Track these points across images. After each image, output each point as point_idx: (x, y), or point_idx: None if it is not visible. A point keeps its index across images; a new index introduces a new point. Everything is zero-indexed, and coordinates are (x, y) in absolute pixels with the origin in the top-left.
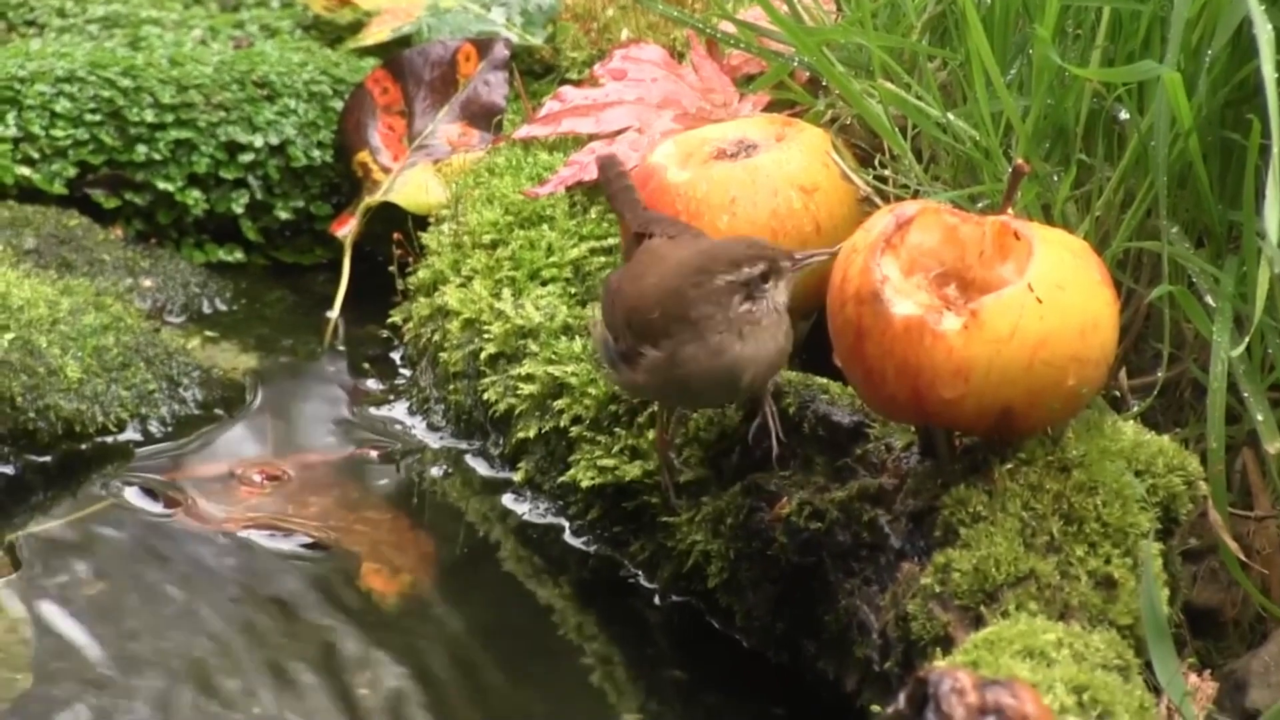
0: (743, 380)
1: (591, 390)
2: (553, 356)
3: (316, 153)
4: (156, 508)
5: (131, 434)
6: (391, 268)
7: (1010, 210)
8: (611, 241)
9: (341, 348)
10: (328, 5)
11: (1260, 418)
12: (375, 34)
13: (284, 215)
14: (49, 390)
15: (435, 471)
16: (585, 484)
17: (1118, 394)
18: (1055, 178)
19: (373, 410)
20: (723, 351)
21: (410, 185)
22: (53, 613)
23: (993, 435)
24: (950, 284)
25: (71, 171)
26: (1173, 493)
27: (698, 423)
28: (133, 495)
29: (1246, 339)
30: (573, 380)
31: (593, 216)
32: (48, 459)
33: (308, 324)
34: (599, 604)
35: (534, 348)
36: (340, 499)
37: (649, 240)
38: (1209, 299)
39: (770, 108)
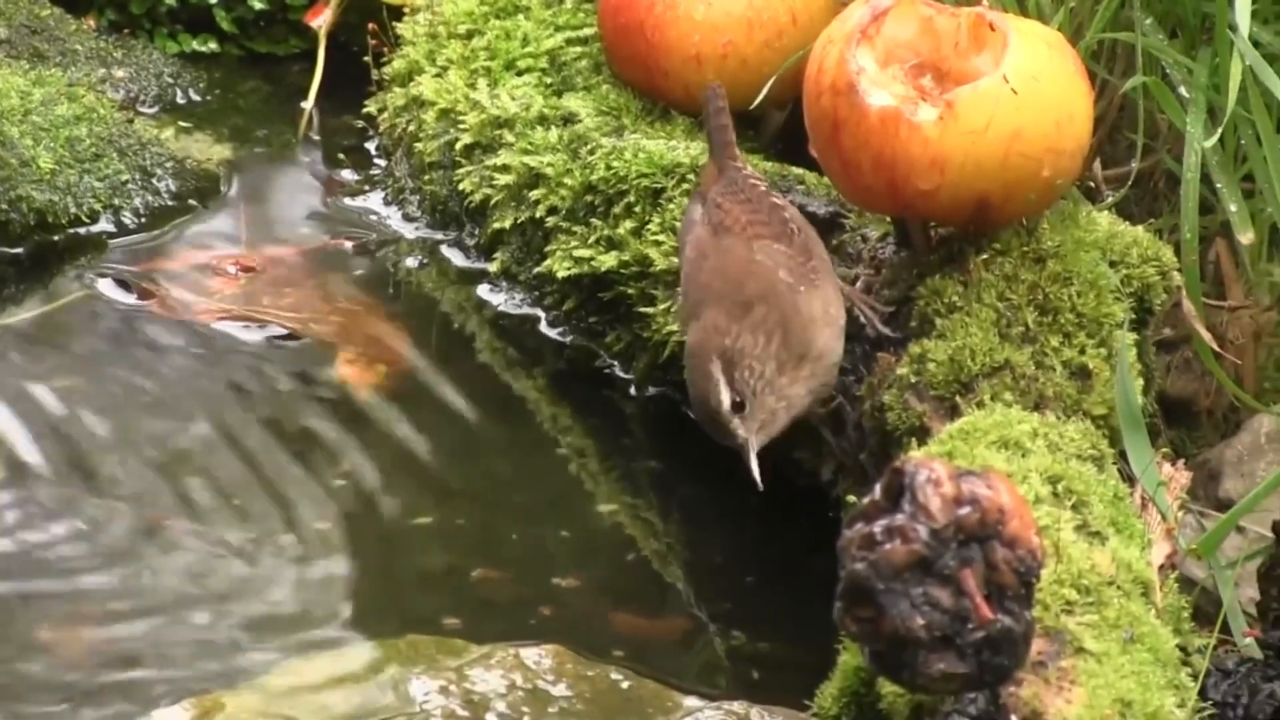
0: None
1: (567, 180)
2: (528, 147)
3: None
4: (130, 299)
5: (105, 225)
6: (366, 58)
7: (985, 2)
8: (588, 32)
9: (316, 138)
10: None
11: (1233, 208)
12: None
13: (258, 5)
14: (21, 181)
15: (410, 262)
16: (561, 274)
17: (1092, 185)
18: None
19: (348, 201)
20: None
21: None
22: (25, 405)
23: (968, 226)
24: (926, 75)
25: None
26: (1147, 283)
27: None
28: (106, 287)
29: (1219, 130)
30: (549, 170)
31: (568, 6)
32: (19, 251)
33: (282, 115)
34: (575, 395)
35: (509, 138)
36: (315, 290)
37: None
38: (1182, 90)
39: None
